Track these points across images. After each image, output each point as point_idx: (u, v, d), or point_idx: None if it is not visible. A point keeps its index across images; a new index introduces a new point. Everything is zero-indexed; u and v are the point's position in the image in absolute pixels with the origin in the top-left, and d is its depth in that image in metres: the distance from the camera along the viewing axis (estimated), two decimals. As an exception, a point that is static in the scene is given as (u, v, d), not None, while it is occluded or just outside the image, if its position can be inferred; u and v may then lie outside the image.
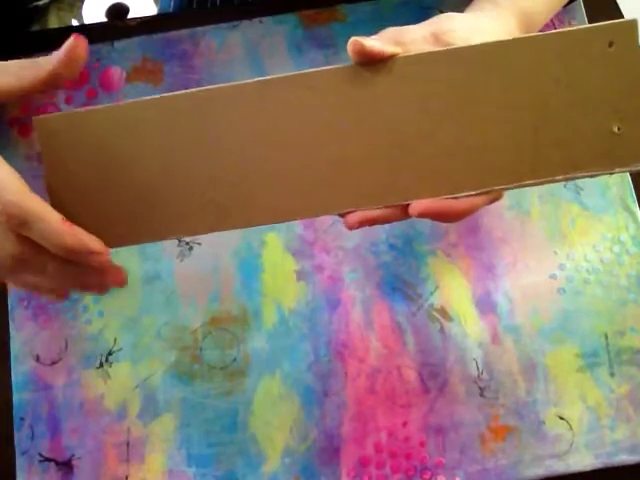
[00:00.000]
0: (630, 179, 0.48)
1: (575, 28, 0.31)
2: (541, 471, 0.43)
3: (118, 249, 0.34)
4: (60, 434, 0.44)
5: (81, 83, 0.49)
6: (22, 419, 0.44)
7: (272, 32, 0.50)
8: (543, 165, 0.32)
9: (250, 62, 0.50)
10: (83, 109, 0.33)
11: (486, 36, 0.33)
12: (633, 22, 0.31)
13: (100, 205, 0.33)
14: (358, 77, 0.32)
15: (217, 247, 0.47)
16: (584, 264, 0.46)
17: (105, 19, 1.28)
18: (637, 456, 0.43)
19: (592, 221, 0.47)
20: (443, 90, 0.32)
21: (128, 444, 0.44)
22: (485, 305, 0.46)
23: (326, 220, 0.47)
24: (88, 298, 0.46)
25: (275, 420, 0.44)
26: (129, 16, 1.30)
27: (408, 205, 0.32)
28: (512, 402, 0.44)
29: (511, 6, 0.37)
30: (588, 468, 0.43)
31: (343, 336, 0.45)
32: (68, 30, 0.59)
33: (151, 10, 1.30)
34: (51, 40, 0.47)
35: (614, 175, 0.47)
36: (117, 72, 0.50)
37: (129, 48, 0.50)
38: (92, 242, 0.31)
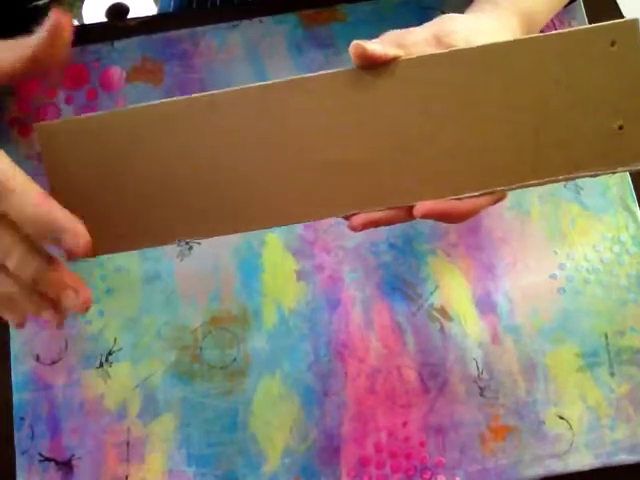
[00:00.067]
0: (630, 179, 0.48)
1: (576, 28, 0.31)
2: (541, 471, 0.43)
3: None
4: (60, 434, 0.44)
5: (81, 83, 0.49)
6: (22, 419, 0.44)
7: (272, 32, 0.50)
8: (545, 165, 0.32)
9: (250, 62, 0.50)
10: (83, 115, 0.33)
11: (487, 37, 0.33)
12: (634, 22, 0.31)
13: (102, 211, 0.33)
14: (360, 80, 0.32)
15: (217, 247, 0.47)
16: (584, 264, 0.46)
17: (105, 19, 1.28)
18: (637, 456, 0.43)
19: (592, 221, 0.47)
20: (445, 92, 0.32)
21: (128, 444, 0.44)
22: (485, 305, 0.46)
23: (326, 220, 0.47)
24: (88, 298, 0.46)
25: (275, 420, 0.44)
26: (129, 16, 1.30)
27: (412, 207, 0.32)
28: (512, 402, 0.44)
29: (511, 6, 0.37)
30: (588, 468, 0.43)
31: (343, 336, 0.45)
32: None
33: (151, 10, 1.30)
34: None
35: (614, 175, 0.47)
36: (117, 72, 0.50)
37: (129, 48, 0.50)
38: (68, 220, 0.30)
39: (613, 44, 0.31)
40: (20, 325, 0.34)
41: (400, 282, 0.46)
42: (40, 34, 0.31)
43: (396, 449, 0.43)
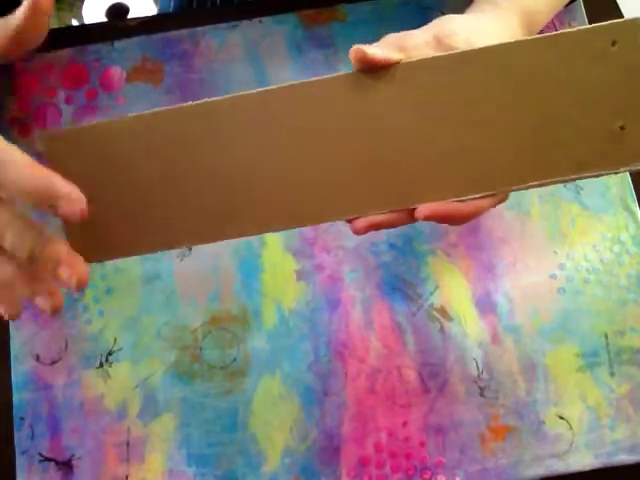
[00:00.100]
0: (630, 179, 0.48)
1: (576, 29, 0.31)
2: (541, 471, 0.43)
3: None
4: (60, 434, 0.44)
5: (81, 83, 0.50)
6: (22, 419, 0.44)
7: (272, 32, 0.50)
8: (547, 166, 0.32)
9: (250, 62, 0.50)
10: (86, 125, 0.33)
11: (488, 37, 0.33)
12: (636, 21, 0.31)
13: (106, 216, 0.33)
14: (361, 84, 0.32)
15: (217, 247, 0.47)
16: (584, 264, 0.46)
17: (105, 19, 1.29)
18: (637, 456, 0.43)
19: (592, 221, 0.47)
20: (446, 94, 0.32)
21: (128, 444, 0.44)
22: (485, 305, 0.46)
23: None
24: (88, 297, 0.46)
25: (275, 420, 0.44)
26: (129, 16, 1.30)
27: (414, 209, 0.32)
28: (512, 402, 0.44)
29: (512, 6, 0.36)
30: (588, 468, 0.43)
31: (343, 336, 0.45)
32: (68, 30, 0.59)
33: (151, 10, 1.30)
34: (51, 40, 0.46)
35: (614, 175, 0.47)
36: (117, 72, 0.50)
37: (129, 48, 0.50)
38: (63, 185, 0.29)
39: (614, 44, 0.31)
40: (14, 316, 0.33)
41: (400, 282, 0.46)
42: (21, 11, 0.32)
43: (396, 449, 0.43)
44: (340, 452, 0.43)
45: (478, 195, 0.32)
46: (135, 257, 0.46)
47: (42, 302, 0.32)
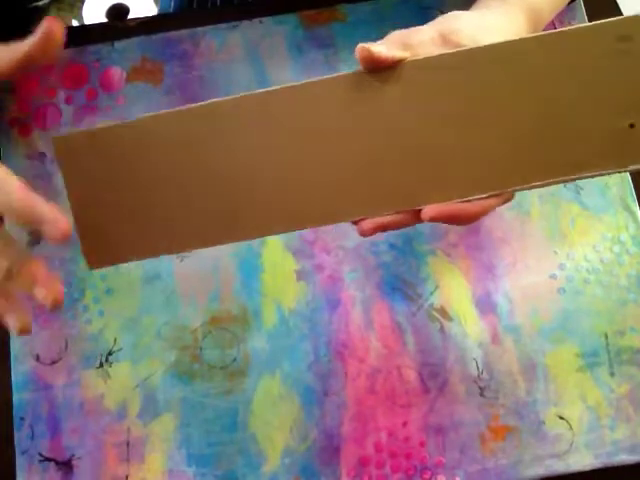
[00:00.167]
0: (630, 179, 0.48)
1: (583, 25, 0.31)
2: (541, 471, 0.43)
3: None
4: (60, 434, 0.44)
5: (81, 83, 0.50)
6: (22, 419, 0.44)
7: (272, 32, 0.50)
8: (553, 165, 0.31)
9: (250, 62, 0.50)
10: (96, 127, 0.33)
11: (494, 34, 0.33)
12: (638, 17, 0.30)
13: (116, 219, 0.33)
14: (366, 83, 0.32)
15: (217, 247, 0.46)
16: (584, 264, 0.46)
17: (105, 19, 1.29)
18: (637, 456, 0.43)
19: (592, 221, 0.47)
20: (451, 93, 0.31)
21: (128, 444, 0.44)
22: (485, 305, 0.46)
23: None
24: (88, 298, 0.46)
25: (275, 420, 0.44)
26: (129, 16, 1.30)
27: (420, 210, 0.32)
28: (512, 402, 0.44)
29: (519, 2, 0.36)
30: (588, 468, 0.43)
31: (343, 336, 0.45)
32: (68, 30, 0.59)
33: (151, 10, 1.30)
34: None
35: (614, 175, 0.47)
36: (117, 72, 0.50)
37: (129, 48, 0.50)
38: (49, 211, 0.30)
39: (622, 40, 0.30)
40: None
41: (400, 282, 0.46)
42: (34, 37, 0.32)
43: (396, 449, 0.43)
44: (340, 452, 0.43)
45: (484, 195, 0.32)
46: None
47: (11, 321, 0.33)
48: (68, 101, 0.49)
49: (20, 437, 0.44)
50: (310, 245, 0.47)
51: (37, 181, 0.48)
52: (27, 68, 0.33)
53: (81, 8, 1.31)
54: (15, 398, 0.45)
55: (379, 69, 0.31)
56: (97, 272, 0.46)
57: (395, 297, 0.46)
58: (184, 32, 0.50)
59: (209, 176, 0.33)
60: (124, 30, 0.51)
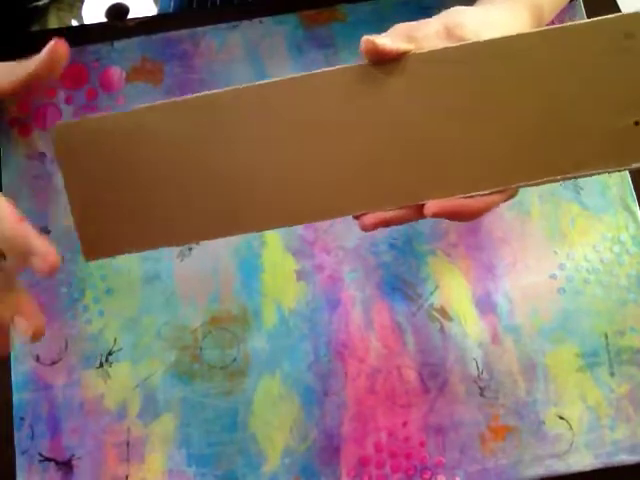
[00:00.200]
0: (630, 179, 0.48)
1: (587, 21, 0.30)
2: (541, 471, 0.43)
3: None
4: (60, 434, 0.44)
5: (81, 83, 0.50)
6: (22, 419, 0.44)
7: (272, 32, 0.50)
8: (559, 161, 0.31)
9: (250, 62, 0.50)
10: (95, 115, 0.33)
11: (498, 29, 0.33)
12: None
13: (114, 211, 0.33)
14: (370, 76, 0.32)
15: (217, 247, 0.47)
16: (584, 264, 0.46)
17: (105, 19, 1.28)
18: (637, 456, 0.43)
19: (592, 221, 0.47)
20: (455, 88, 0.31)
21: (128, 444, 0.44)
22: (485, 305, 0.46)
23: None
24: (88, 298, 0.46)
25: (275, 420, 0.44)
26: (129, 16, 1.30)
27: (422, 205, 0.32)
28: (512, 402, 0.44)
29: None
30: (588, 468, 0.43)
31: (343, 336, 0.45)
32: (68, 30, 0.59)
33: (151, 10, 1.29)
34: (51, 40, 0.46)
35: (614, 175, 0.47)
36: (117, 72, 0.50)
37: (129, 48, 0.50)
38: (40, 244, 0.30)
39: (624, 37, 0.30)
40: None
41: (400, 282, 0.46)
42: (39, 59, 0.32)
43: (396, 449, 0.43)
44: (340, 452, 0.43)
45: (487, 191, 0.32)
46: (135, 257, 0.46)
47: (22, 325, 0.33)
48: (68, 101, 0.49)
49: (20, 437, 0.44)
50: (310, 245, 0.47)
51: (37, 181, 0.48)
52: (31, 87, 0.34)
53: (81, 8, 1.31)
54: (15, 398, 0.45)
55: (383, 61, 0.31)
56: (97, 272, 0.46)
57: (395, 297, 0.46)
58: (184, 32, 0.50)
59: (209, 168, 0.33)
60: (124, 30, 0.51)
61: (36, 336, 0.32)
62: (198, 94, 0.32)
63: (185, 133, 0.32)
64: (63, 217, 0.47)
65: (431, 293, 0.46)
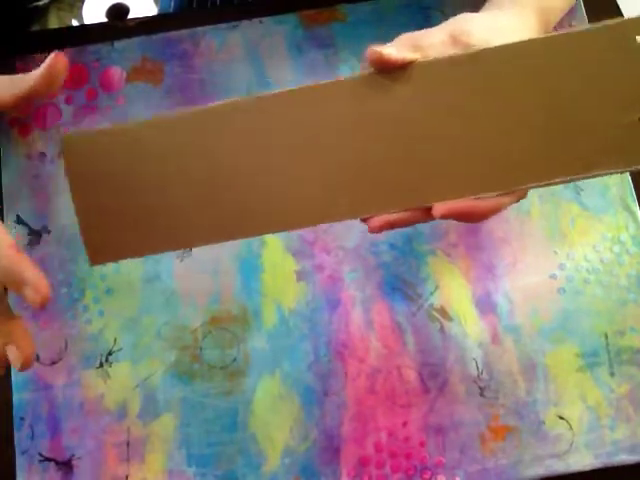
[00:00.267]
0: (630, 179, 0.48)
1: (594, 25, 0.31)
2: (541, 471, 0.43)
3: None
4: (60, 434, 0.44)
5: (81, 83, 0.50)
6: (22, 419, 0.44)
7: (272, 32, 0.50)
8: (567, 163, 0.31)
9: (250, 62, 0.50)
10: (102, 127, 0.33)
11: (506, 35, 0.33)
12: None
13: (117, 216, 0.34)
14: (377, 84, 0.32)
15: (217, 247, 0.46)
16: (584, 264, 0.46)
17: (105, 19, 1.28)
18: (637, 456, 0.43)
19: (592, 221, 0.47)
20: (462, 94, 0.31)
21: (128, 444, 0.44)
22: (485, 305, 0.46)
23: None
24: (88, 298, 0.46)
25: (275, 420, 0.44)
26: (129, 16, 1.30)
27: (431, 207, 0.32)
28: (512, 402, 0.44)
29: (532, 3, 0.36)
30: (588, 468, 0.43)
31: (343, 336, 0.45)
32: (68, 30, 0.59)
33: (151, 10, 1.29)
34: (51, 40, 0.47)
35: (614, 175, 0.47)
36: (117, 72, 0.50)
37: (129, 48, 0.50)
38: (33, 275, 0.30)
39: (633, 40, 0.30)
40: None
41: (400, 282, 0.46)
42: (38, 74, 0.32)
43: (396, 449, 0.43)
44: (340, 452, 0.43)
45: (495, 193, 0.32)
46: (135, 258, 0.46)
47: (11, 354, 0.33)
48: (68, 101, 0.49)
49: (20, 437, 0.44)
50: (310, 245, 0.47)
51: (37, 181, 0.48)
52: (30, 101, 0.33)
53: (81, 8, 1.31)
54: (15, 398, 0.45)
55: (389, 71, 0.32)
56: (97, 272, 0.46)
57: (395, 297, 0.46)
58: (184, 32, 0.50)
59: (216, 175, 0.33)
60: (124, 30, 0.51)
61: (24, 367, 0.32)
62: (203, 105, 0.33)
63: (188, 143, 0.33)
64: (63, 217, 0.47)
65: (431, 293, 0.46)
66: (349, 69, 0.49)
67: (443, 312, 0.45)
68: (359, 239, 0.46)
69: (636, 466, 0.43)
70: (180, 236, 0.33)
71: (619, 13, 0.50)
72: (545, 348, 0.45)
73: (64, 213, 0.47)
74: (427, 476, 0.43)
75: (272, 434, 0.44)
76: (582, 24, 0.50)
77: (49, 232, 0.47)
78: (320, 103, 0.32)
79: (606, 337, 0.45)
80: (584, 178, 0.32)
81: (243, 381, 0.45)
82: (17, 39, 0.52)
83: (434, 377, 0.44)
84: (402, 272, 0.46)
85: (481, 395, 0.44)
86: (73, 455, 0.44)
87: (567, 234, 0.47)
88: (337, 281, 0.46)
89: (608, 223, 0.47)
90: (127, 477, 0.43)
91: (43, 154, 0.48)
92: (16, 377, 0.45)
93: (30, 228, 0.47)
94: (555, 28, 0.49)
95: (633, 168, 0.31)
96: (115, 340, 0.45)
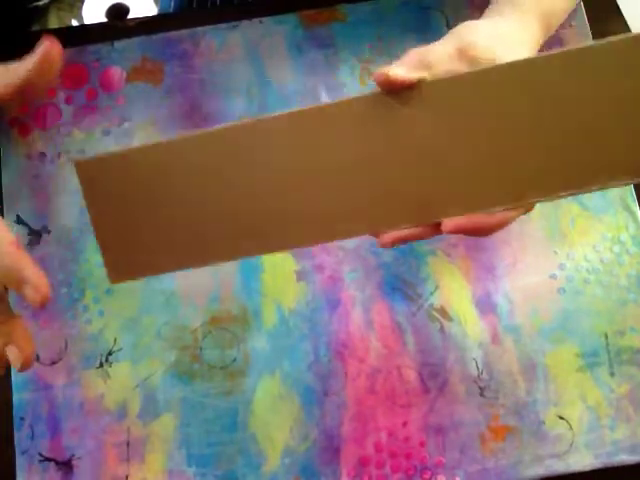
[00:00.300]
0: (630, 179, 0.48)
1: (605, 40, 0.30)
2: (541, 471, 0.43)
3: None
4: (60, 434, 0.44)
5: (81, 83, 0.50)
6: (22, 419, 0.44)
7: (272, 32, 0.50)
8: (575, 177, 0.31)
9: (250, 62, 0.50)
10: (116, 150, 0.34)
11: (509, 42, 0.33)
12: None
13: (140, 235, 0.34)
14: (385, 104, 0.32)
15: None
16: (584, 264, 0.46)
17: (105, 19, 1.28)
18: (637, 456, 0.43)
19: (592, 221, 0.47)
20: (471, 110, 0.32)
21: (128, 444, 0.44)
22: (485, 305, 0.46)
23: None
24: (88, 298, 0.46)
25: (275, 420, 0.44)
26: (129, 16, 1.30)
27: (440, 222, 0.33)
28: (512, 402, 0.44)
29: (532, 8, 0.36)
30: (588, 468, 0.43)
31: (343, 336, 0.45)
32: (68, 30, 0.59)
33: (151, 10, 1.29)
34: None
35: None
36: (117, 72, 0.50)
37: (129, 48, 0.50)
38: (33, 274, 0.30)
39: None
40: None
41: (400, 282, 0.46)
42: (31, 62, 0.31)
43: (396, 449, 0.43)
44: (340, 452, 0.43)
45: (503, 208, 0.32)
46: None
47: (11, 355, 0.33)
48: (68, 101, 0.49)
49: (20, 437, 0.44)
50: (310, 245, 0.47)
51: (37, 181, 0.48)
52: (26, 94, 0.32)
53: (81, 8, 1.31)
54: (15, 398, 0.45)
55: (397, 91, 0.32)
56: (97, 272, 0.46)
57: (395, 297, 0.46)
58: (184, 32, 0.50)
59: (232, 194, 0.33)
60: (124, 30, 0.51)
61: (24, 367, 0.32)
62: (218, 126, 0.33)
63: (203, 163, 0.33)
64: (63, 217, 0.47)
65: (431, 293, 0.46)
66: (349, 69, 0.49)
67: (443, 312, 0.45)
68: (359, 239, 0.46)
69: (636, 466, 0.43)
70: (197, 254, 0.34)
71: (619, 14, 0.50)
72: (545, 348, 0.45)
73: (64, 213, 0.47)
74: (427, 476, 0.43)
75: (272, 434, 0.44)
76: (582, 24, 0.49)
77: (49, 232, 0.47)
78: (331, 124, 0.33)
79: (606, 337, 0.45)
80: (591, 191, 0.32)
81: (243, 381, 0.45)
82: (17, 39, 0.52)
83: (434, 377, 0.44)
84: (402, 272, 0.46)
85: (481, 395, 0.44)
86: (73, 455, 0.44)
87: (567, 234, 0.47)
88: (337, 281, 0.46)
89: (608, 223, 0.47)
90: (127, 477, 0.43)
91: (43, 154, 0.48)
92: (16, 377, 0.45)
93: (30, 228, 0.47)
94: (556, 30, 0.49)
95: (636, 180, 0.31)
96: (115, 340, 0.45)
